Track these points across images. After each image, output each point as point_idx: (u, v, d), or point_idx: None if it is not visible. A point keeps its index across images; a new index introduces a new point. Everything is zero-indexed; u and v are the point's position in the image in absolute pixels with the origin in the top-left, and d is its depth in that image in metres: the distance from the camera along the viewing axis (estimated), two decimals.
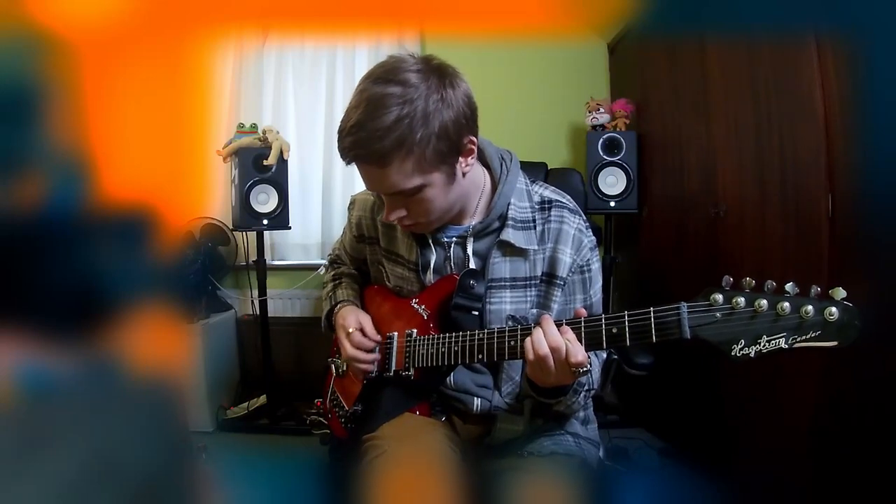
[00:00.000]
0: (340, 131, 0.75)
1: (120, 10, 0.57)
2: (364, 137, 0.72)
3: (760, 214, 1.52)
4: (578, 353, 0.69)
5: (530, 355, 0.72)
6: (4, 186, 0.48)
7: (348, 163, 0.76)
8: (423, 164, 0.75)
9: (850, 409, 1.23)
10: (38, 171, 0.50)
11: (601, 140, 2.21)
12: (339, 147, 0.76)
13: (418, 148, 0.73)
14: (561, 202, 0.90)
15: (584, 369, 0.70)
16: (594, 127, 2.29)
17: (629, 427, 2.18)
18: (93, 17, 0.54)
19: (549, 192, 0.92)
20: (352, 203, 1.04)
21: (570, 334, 0.71)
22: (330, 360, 1.07)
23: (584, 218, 0.91)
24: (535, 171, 1.72)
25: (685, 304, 0.63)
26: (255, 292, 2.32)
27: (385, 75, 0.74)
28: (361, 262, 1.09)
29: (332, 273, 1.12)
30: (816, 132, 1.28)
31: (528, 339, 0.73)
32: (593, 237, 0.91)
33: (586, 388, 0.85)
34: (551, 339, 0.70)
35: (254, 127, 2.23)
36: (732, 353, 0.61)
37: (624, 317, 0.67)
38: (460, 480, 0.78)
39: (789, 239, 1.41)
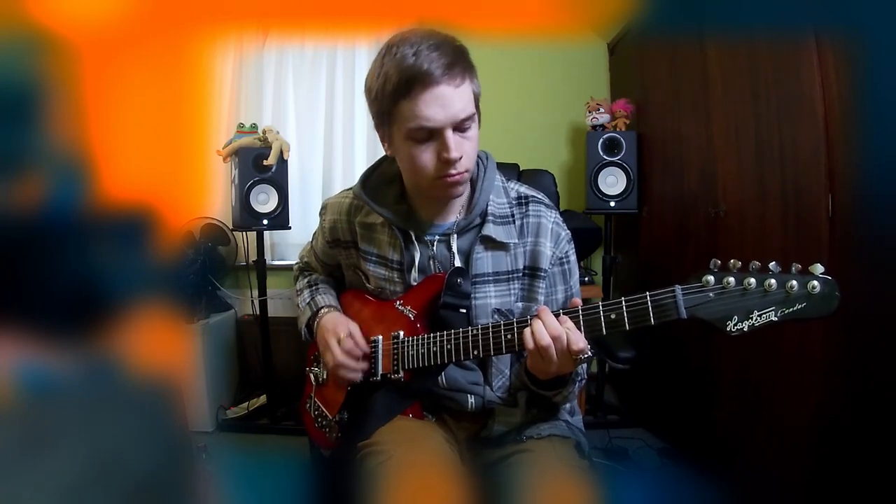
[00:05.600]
0: (416, 56, 0.74)
1: (120, 10, 0.57)
2: (449, 49, 0.77)
3: (760, 214, 1.52)
4: (579, 340, 0.71)
5: (531, 345, 0.73)
6: (4, 186, 0.48)
7: (426, 86, 0.75)
8: (474, 97, 0.81)
9: (850, 409, 1.23)
10: (38, 171, 0.50)
11: (601, 140, 2.21)
12: (412, 73, 0.75)
13: (474, 79, 0.81)
14: (537, 198, 0.93)
15: (586, 356, 0.72)
16: (594, 127, 2.29)
17: (629, 427, 2.18)
18: (93, 17, 0.54)
19: (525, 189, 0.95)
20: (323, 208, 1.02)
21: (570, 323, 0.73)
22: (308, 369, 1.05)
23: (559, 212, 0.95)
24: (540, 178, 1.71)
25: (679, 287, 0.67)
26: (255, 292, 2.32)
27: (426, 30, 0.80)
28: (334, 267, 1.07)
29: (306, 281, 1.09)
30: (816, 132, 1.29)
31: (527, 331, 0.74)
32: (568, 231, 0.94)
33: (580, 378, 0.87)
34: (552, 329, 0.72)
35: (254, 127, 2.23)
36: (728, 329, 0.64)
37: (621, 302, 0.70)
38: (468, 478, 0.79)
39: (789, 239, 1.41)
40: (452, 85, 0.76)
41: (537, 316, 0.74)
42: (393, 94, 0.77)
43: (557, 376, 0.79)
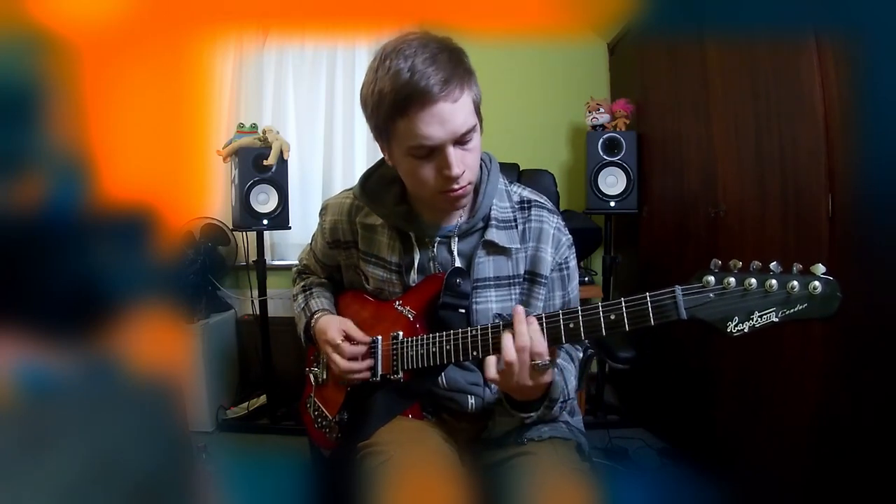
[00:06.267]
0: (411, 73, 0.71)
1: (120, 10, 0.57)
2: (445, 60, 0.73)
3: (760, 214, 1.52)
4: (539, 345, 0.72)
5: (492, 372, 0.74)
6: (4, 186, 0.48)
7: (423, 105, 0.73)
8: (474, 105, 0.78)
9: (851, 409, 1.23)
10: (38, 171, 0.50)
11: (601, 140, 2.21)
12: (407, 92, 0.72)
13: (473, 86, 0.77)
14: (539, 202, 0.93)
15: (542, 362, 0.72)
16: (594, 127, 2.29)
17: (629, 427, 2.18)
18: (93, 17, 0.54)
19: (528, 193, 0.94)
20: (324, 209, 1.01)
21: (535, 325, 0.73)
22: (307, 369, 1.05)
23: (561, 217, 0.94)
24: (540, 178, 1.71)
25: (679, 287, 0.66)
26: (255, 292, 2.32)
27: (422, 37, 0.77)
28: (334, 268, 1.07)
29: (301, 285, 1.09)
30: (816, 132, 1.29)
31: (497, 348, 0.75)
32: (570, 236, 0.93)
33: (560, 400, 0.83)
34: (519, 340, 0.72)
35: (254, 127, 2.23)
36: (728, 330, 0.64)
37: (621, 303, 0.69)
38: (468, 478, 0.78)
39: (789, 239, 1.41)
40: (450, 100, 0.73)
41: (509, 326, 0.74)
42: (389, 112, 0.74)
43: (532, 400, 0.79)
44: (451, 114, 0.74)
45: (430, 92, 0.71)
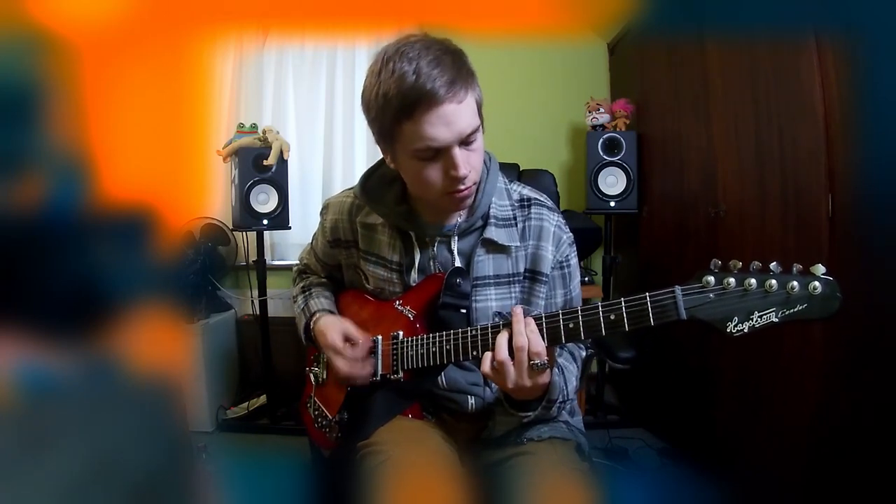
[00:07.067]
0: (416, 76, 0.71)
1: (120, 10, 0.57)
2: (449, 62, 0.74)
3: (760, 214, 1.52)
4: (537, 344, 0.72)
5: (486, 367, 0.74)
6: (4, 186, 0.48)
7: (429, 107, 0.73)
8: (477, 106, 0.79)
9: (850, 409, 1.23)
10: (38, 171, 0.50)
11: (601, 140, 2.21)
12: (414, 95, 0.72)
13: (475, 87, 0.78)
14: (539, 200, 0.93)
15: (541, 363, 0.72)
16: (594, 127, 2.29)
17: (629, 427, 2.18)
18: (93, 17, 0.54)
19: (528, 191, 0.94)
20: (325, 208, 1.01)
21: (533, 325, 0.73)
22: (308, 368, 1.05)
23: (561, 215, 0.94)
24: (540, 178, 1.71)
25: (679, 287, 0.66)
26: (255, 292, 2.33)
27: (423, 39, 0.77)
28: (334, 268, 1.07)
29: (301, 286, 1.09)
30: (816, 132, 1.29)
31: (493, 345, 0.75)
32: (571, 234, 0.93)
33: (559, 400, 0.83)
34: (517, 339, 0.73)
35: (254, 127, 2.23)
36: (728, 330, 0.64)
37: (621, 303, 0.69)
38: (467, 478, 0.78)
39: (789, 239, 1.41)
40: (455, 101, 0.73)
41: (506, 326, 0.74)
42: (395, 115, 0.74)
43: (530, 399, 0.79)
44: (456, 115, 0.74)
45: (437, 94, 0.72)
